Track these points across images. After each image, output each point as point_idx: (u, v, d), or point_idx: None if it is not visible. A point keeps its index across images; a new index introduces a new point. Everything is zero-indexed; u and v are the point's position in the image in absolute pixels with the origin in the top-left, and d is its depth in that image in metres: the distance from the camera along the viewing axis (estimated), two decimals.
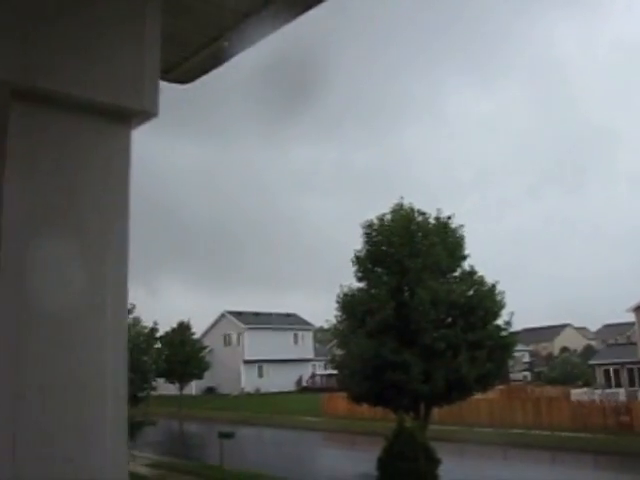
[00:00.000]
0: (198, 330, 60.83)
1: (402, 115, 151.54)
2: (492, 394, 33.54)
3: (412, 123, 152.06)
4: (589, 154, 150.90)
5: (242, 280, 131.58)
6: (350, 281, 20.72)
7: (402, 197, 20.52)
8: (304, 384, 73.18)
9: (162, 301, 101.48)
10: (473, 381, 19.05)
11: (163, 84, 1.87)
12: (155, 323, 17.63)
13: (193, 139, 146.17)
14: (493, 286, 19.56)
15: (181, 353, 52.05)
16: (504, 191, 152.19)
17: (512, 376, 63.70)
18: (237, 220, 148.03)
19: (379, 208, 20.89)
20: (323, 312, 21.71)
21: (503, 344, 19.50)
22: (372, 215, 20.63)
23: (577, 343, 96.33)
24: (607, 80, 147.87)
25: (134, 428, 17.11)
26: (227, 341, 74.84)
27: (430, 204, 20.58)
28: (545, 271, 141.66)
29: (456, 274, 20.17)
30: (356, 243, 20.81)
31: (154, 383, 17.45)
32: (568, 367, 61.07)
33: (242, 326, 72.98)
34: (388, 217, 20.35)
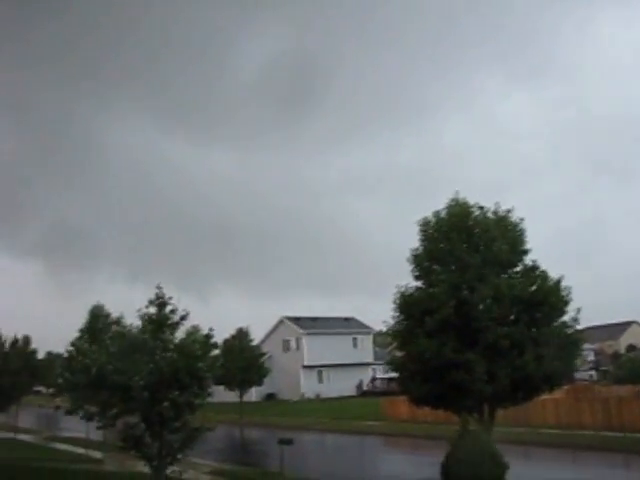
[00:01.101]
0: (255, 336, 60.88)
1: (445, 114, 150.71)
2: (558, 394, 32.42)
3: (455, 122, 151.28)
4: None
5: (295, 284, 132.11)
6: (405, 281, 20.18)
7: (457, 191, 19.90)
8: (364, 388, 72.57)
9: (215, 308, 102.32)
10: (540, 380, 18.29)
11: None
12: (210, 329, 17.25)
13: (232, 146, 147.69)
14: (558, 281, 18.73)
15: (240, 360, 52.07)
16: (555, 186, 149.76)
17: (577, 375, 61.98)
18: (283, 225, 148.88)
19: (426, 207, 20.45)
20: (382, 314, 21.29)
21: (571, 341, 18.68)
22: (419, 215, 20.09)
23: None
24: None
25: (192, 434, 16.81)
26: (286, 347, 74.77)
27: (479, 201, 19.91)
28: (605, 267, 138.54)
29: (518, 269, 19.42)
30: (406, 242, 20.35)
31: (210, 390, 17.09)
32: (636, 365, 59.02)
33: (301, 331, 72.85)
34: (444, 213, 19.75)
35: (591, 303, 20.23)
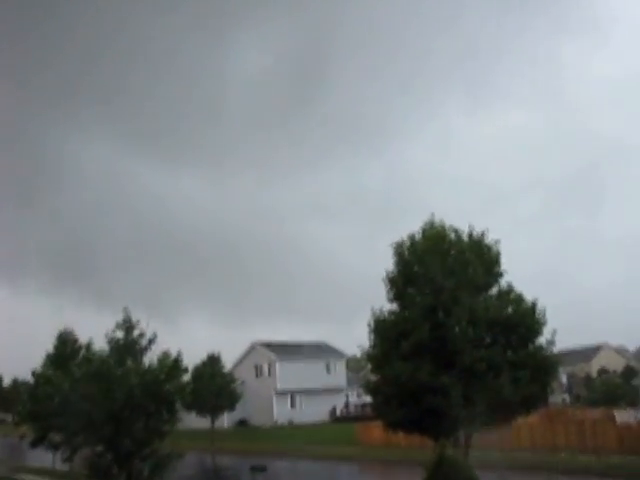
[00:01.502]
0: (227, 362, 60.09)
1: (411, 139, 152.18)
2: (532, 418, 32.18)
3: (421, 147, 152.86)
4: (604, 170, 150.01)
5: (266, 310, 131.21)
6: (376, 305, 19.90)
7: (433, 214, 19.73)
8: (338, 414, 71.88)
9: (185, 335, 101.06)
10: (516, 404, 18.04)
11: None
12: (178, 354, 16.79)
13: (204, 172, 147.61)
14: (534, 304, 18.60)
15: (212, 385, 51.29)
16: (522, 210, 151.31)
17: (551, 399, 61.94)
18: (254, 250, 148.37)
19: (392, 231, 20.36)
20: (355, 339, 21.22)
21: (547, 364, 18.47)
22: (386, 239, 20.05)
23: (615, 363, 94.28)
24: (618, 99, 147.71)
25: (161, 462, 16.27)
26: (258, 372, 74.03)
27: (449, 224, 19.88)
28: (574, 291, 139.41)
29: (493, 292, 19.25)
30: (376, 267, 20.16)
31: (179, 416, 16.58)
32: (610, 388, 59.19)
33: (273, 357, 72.17)
34: (419, 236, 19.57)
35: (563, 326, 20.10)
